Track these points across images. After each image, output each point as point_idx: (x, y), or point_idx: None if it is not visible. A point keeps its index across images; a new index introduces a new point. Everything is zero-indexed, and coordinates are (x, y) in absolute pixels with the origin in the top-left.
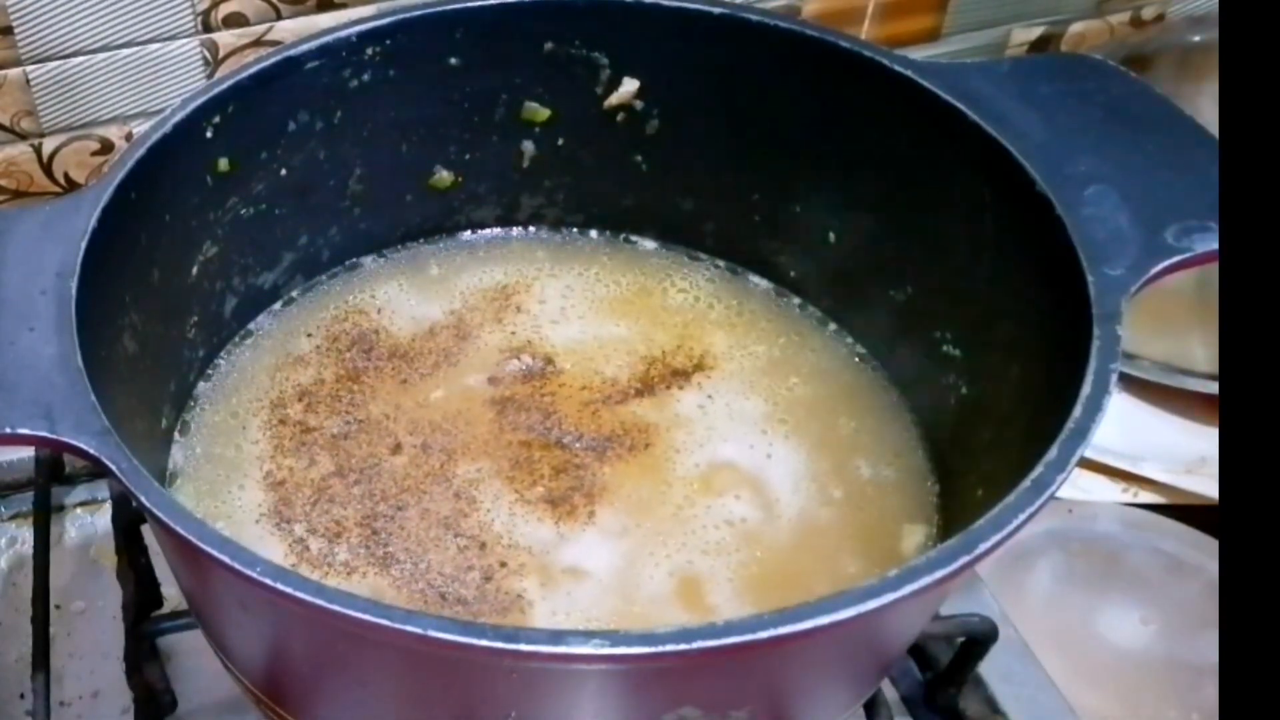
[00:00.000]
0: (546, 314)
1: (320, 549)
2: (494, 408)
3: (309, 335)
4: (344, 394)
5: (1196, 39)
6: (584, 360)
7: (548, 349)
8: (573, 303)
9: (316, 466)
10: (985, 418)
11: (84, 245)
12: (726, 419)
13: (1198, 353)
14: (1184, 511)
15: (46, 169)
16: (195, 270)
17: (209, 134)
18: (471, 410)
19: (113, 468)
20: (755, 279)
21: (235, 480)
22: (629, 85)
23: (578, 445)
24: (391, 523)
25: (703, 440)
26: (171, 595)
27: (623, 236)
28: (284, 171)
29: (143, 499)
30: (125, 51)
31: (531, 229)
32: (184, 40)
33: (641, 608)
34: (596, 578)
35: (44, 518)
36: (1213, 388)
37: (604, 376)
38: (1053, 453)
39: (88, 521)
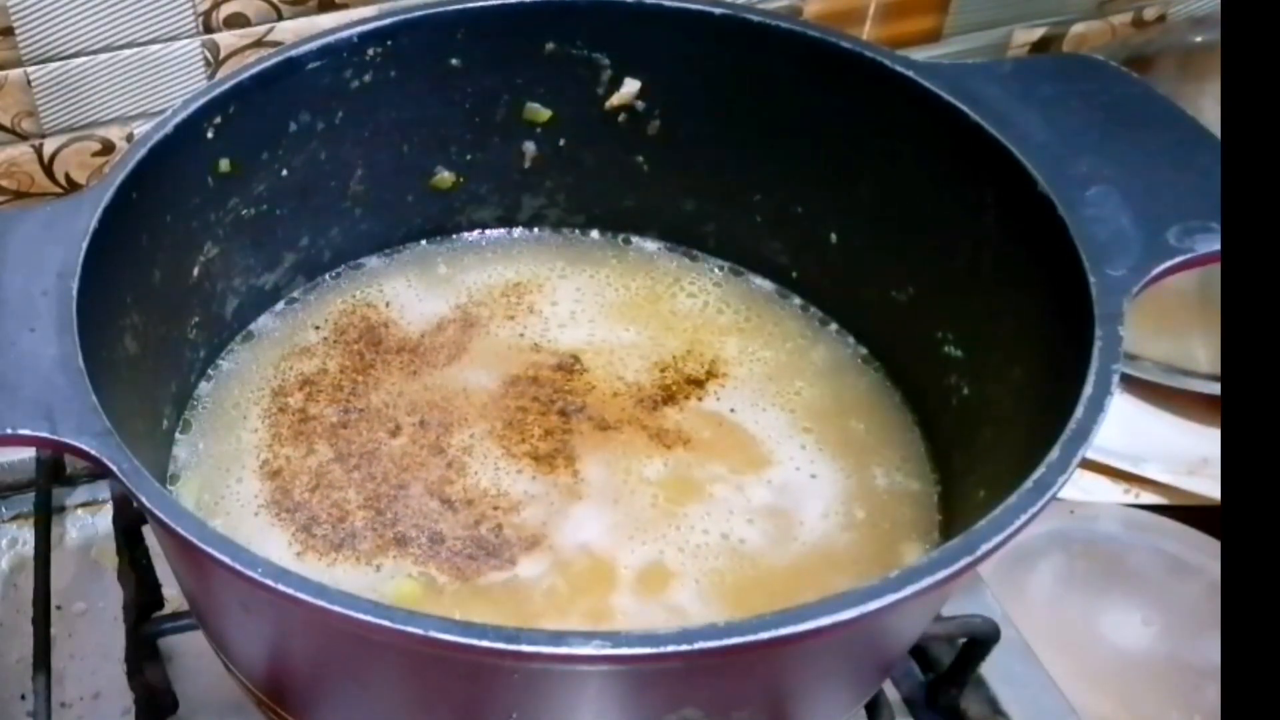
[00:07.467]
0: (558, 317)
1: (326, 535)
2: (499, 400)
3: (317, 328)
4: (346, 384)
5: (1198, 39)
6: (598, 365)
7: (559, 352)
8: (583, 306)
9: (315, 455)
10: (987, 418)
11: (85, 246)
12: (753, 424)
13: (1200, 353)
14: (1186, 512)
15: (47, 170)
16: (196, 271)
17: (210, 135)
18: (473, 394)
19: (114, 468)
20: (757, 280)
21: (234, 473)
22: (630, 86)
23: (584, 427)
24: (396, 502)
25: (725, 443)
26: (173, 596)
27: (623, 237)
28: (285, 172)
29: (143, 499)
30: (126, 52)
31: (534, 229)
32: (185, 41)
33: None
34: (596, 554)
35: (45, 519)
36: (1215, 388)
37: (625, 381)
38: (1054, 454)
39: (89, 522)
